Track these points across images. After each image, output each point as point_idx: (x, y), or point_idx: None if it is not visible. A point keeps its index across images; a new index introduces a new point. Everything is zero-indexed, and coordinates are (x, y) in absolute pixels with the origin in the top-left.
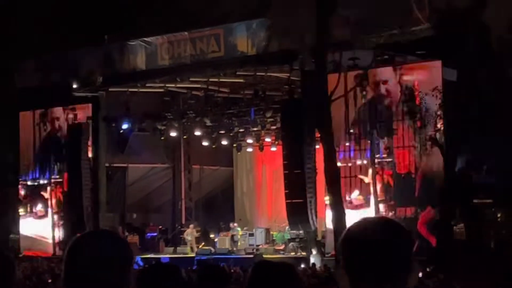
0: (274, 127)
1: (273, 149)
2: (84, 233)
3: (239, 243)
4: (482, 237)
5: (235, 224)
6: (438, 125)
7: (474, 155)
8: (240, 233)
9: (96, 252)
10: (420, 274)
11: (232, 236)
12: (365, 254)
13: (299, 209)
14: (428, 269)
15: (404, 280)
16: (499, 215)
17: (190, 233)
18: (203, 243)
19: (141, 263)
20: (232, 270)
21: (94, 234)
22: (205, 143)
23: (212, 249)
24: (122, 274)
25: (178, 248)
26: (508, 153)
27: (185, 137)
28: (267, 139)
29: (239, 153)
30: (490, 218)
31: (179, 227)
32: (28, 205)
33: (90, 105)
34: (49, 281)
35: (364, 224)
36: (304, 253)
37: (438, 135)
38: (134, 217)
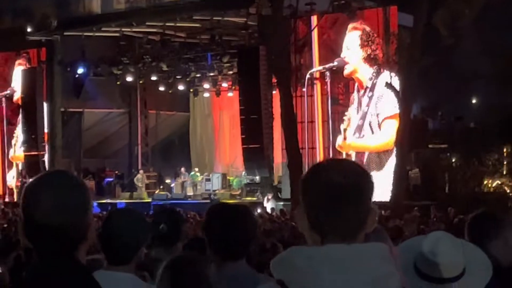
0: (231, 72)
1: (230, 94)
2: (42, 175)
3: (192, 189)
4: (437, 182)
5: (182, 169)
6: (394, 71)
7: (429, 100)
8: (199, 178)
9: (55, 195)
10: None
11: (183, 182)
12: (325, 197)
13: (255, 154)
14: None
15: (365, 223)
16: (453, 160)
17: (141, 179)
18: (159, 188)
19: (97, 209)
20: (188, 215)
21: (52, 175)
22: (161, 88)
23: (169, 194)
24: (82, 218)
25: (134, 193)
26: (463, 98)
27: (141, 82)
28: (224, 85)
29: (196, 98)
30: (445, 163)
31: (136, 172)
32: None
33: (44, 49)
34: (5, 226)
35: (326, 165)
36: (260, 198)
37: (393, 81)
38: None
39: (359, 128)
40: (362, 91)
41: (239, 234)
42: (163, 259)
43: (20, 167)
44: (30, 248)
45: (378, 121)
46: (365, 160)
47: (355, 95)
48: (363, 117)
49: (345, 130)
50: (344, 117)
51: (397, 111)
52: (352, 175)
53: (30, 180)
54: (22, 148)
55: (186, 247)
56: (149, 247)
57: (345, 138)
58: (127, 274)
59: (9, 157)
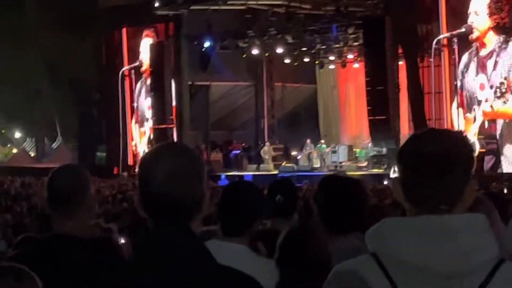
0: (356, 44)
1: (356, 66)
2: (157, 146)
3: (319, 161)
4: None
5: (308, 141)
6: None
7: None
8: (326, 149)
9: (170, 166)
10: None
11: (309, 154)
12: (418, 168)
13: (381, 126)
14: None
15: (461, 194)
16: None
17: (267, 151)
18: (285, 161)
19: (225, 181)
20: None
21: (167, 146)
22: (287, 61)
23: (295, 166)
24: (197, 188)
25: (261, 165)
26: None
27: (266, 54)
28: (349, 56)
29: (321, 70)
30: None
31: (262, 144)
32: None
33: (171, 23)
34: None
35: (420, 136)
36: (387, 170)
37: None
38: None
39: (482, 89)
40: (484, 51)
41: (346, 207)
42: (280, 229)
43: (147, 133)
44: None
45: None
46: (498, 131)
47: (473, 58)
48: (489, 80)
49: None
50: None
51: None
52: (446, 145)
53: (147, 151)
54: (151, 122)
55: (301, 218)
56: (265, 218)
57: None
58: (239, 245)
59: (140, 129)
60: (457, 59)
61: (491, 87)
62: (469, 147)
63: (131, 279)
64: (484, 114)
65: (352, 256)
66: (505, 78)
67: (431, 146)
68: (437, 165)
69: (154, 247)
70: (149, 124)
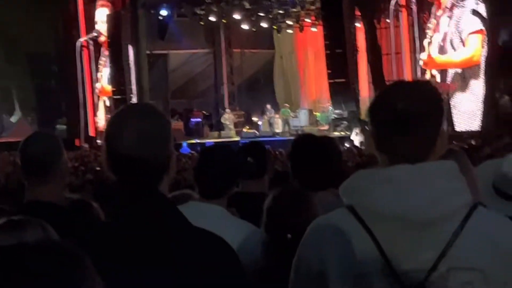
0: (313, 7)
1: (314, 29)
2: (123, 107)
3: (282, 125)
4: None
5: (268, 106)
6: None
7: None
8: (291, 114)
9: (138, 126)
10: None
11: (269, 119)
12: (390, 123)
13: (341, 89)
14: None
15: (433, 146)
16: None
17: (228, 118)
18: (247, 127)
19: (187, 149)
20: (277, 152)
21: (133, 107)
22: (244, 27)
23: (257, 132)
24: (164, 148)
25: (222, 132)
26: None
27: (224, 21)
28: (307, 20)
29: (279, 35)
30: None
31: (223, 111)
32: None
33: None
34: (98, 169)
35: (392, 90)
36: (348, 133)
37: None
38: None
39: (441, 49)
40: (440, 11)
41: (320, 164)
42: (251, 192)
43: (107, 103)
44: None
45: (462, 38)
46: (449, 81)
47: (431, 17)
48: (444, 38)
49: (429, 43)
50: (428, 31)
51: (482, 27)
52: (418, 100)
53: (114, 113)
54: (111, 93)
55: (272, 181)
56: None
57: (429, 54)
58: (216, 206)
59: (96, 91)
60: (415, 19)
61: (447, 43)
62: (440, 100)
63: (106, 240)
64: (424, 63)
65: (328, 211)
66: (460, 33)
67: (403, 102)
68: (409, 120)
69: (126, 209)
70: (108, 95)
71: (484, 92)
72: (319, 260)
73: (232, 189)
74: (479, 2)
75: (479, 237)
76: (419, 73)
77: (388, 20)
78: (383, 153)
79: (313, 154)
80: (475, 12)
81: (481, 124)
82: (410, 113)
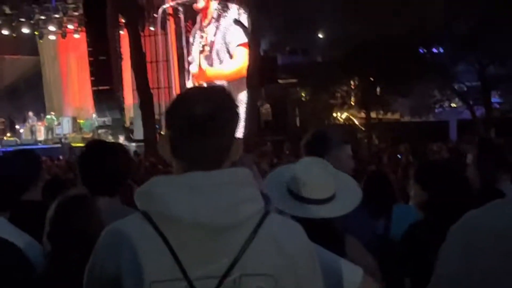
0: (76, 14)
1: (76, 36)
2: None
3: (46, 133)
4: (287, 116)
5: (30, 113)
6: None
7: (276, 36)
8: (56, 121)
9: None
10: None
11: (31, 127)
12: (185, 128)
13: (106, 96)
14: None
15: (228, 152)
16: (303, 94)
17: None
18: (8, 134)
19: None
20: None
21: None
22: (5, 32)
23: (18, 140)
24: None
25: None
26: (309, 33)
27: None
28: (70, 26)
29: (41, 41)
30: (295, 97)
31: None
32: None
33: None
34: None
35: (188, 95)
36: (112, 140)
37: (241, 17)
38: None
39: (208, 58)
40: (206, 21)
41: (114, 170)
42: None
43: None
44: None
45: (229, 49)
46: None
47: (199, 27)
48: (211, 47)
49: (201, 52)
50: (200, 40)
51: (246, 39)
52: (213, 106)
53: None
54: None
55: (45, 188)
56: None
57: (200, 67)
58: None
59: None
60: (183, 26)
61: (213, 52)
62: (235, 106)
63: None
64: (194, 76)
65: (116, 216)
66: (227, 44)
67: (199, 108)
68: (205, 127)
69: None
70: None
71: (247, 99)
72: (113, 265)
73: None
74: (241, 12)
75: (268, 242)
76: (187, 81)
77: (152, 28)
78: (178, 159)
79: (102, 159)
80: (237, 22)
81: (243, 131)
82: (206, 117)
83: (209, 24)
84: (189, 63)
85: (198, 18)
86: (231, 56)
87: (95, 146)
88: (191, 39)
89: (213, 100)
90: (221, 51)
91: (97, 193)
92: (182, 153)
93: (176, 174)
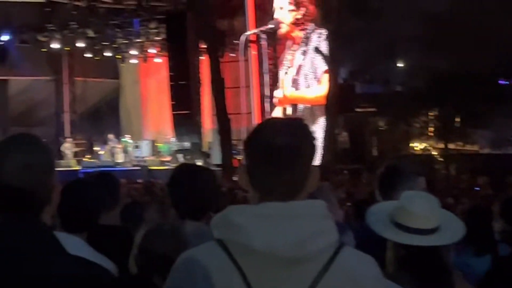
0: (158, 38)
1: (158, 60)
2: (7, 137)
3: (123, 155)
4: (365, 145)
5: (110, 136)
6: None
7: (356, 64)
8: (131, 144)
9: (23, 157)
10: None
11: (111, 149)
12: (263, 158)
13: (185, 120)
14: None
15: (305, 184)
16: (381, 123)
17: (68, 147)
18: (88, 156)
19: None
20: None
21: (16, 137)
22: (88, 55)
23: (98, 162)
24: (47, 179)
25: (62, 161)
26: (390, 62)
27: (67, 48)
28: (151, 51)
29: (123, 65)
30: (373, 126)
31: (63, 140)
32: None
33: None
34: None
35: (265, 126)
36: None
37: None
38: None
39: (295, 82)
40: (295, 46)
41: (204, 194)
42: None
43: None
44: None
45: (316, 74)
46: (299, 115)
47: (287, 51)
48: (298, 71)
49: (286, 74)
50: (285, 62)
51: (327, 66)
52: (291, 137)
53: None
54: None
55: (124, 212)
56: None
57: (284, 93)
58: (76, 237)
59: None
60: (264, 55)
61: (301, 77)
62: (312, 138)
63: None
64: (280, 100)
65: (201, 241)
66: (315, 69)
67: (278, 138)
68: (283, 157)
69: (3, 239)
70: None
71: (325, 127)
72: None
73: (94, 222)
74: (321, 40)
75: (341, 276)
76: (267, 106)
77: (232, 54)
78: (256, 189)
79: (190, 184)
80: (317, 50)
81: (321, 159)
82: (283, 149)
83: (297, 48)
84: (272, 89)
85: (288, 43)
86: (318, 81)
87: (186, 170)
88: (282, 64)
89: (291, 132)
90: (309, 75)
91: (185, 216)
92: (259, 182)
93: (252, 202)
